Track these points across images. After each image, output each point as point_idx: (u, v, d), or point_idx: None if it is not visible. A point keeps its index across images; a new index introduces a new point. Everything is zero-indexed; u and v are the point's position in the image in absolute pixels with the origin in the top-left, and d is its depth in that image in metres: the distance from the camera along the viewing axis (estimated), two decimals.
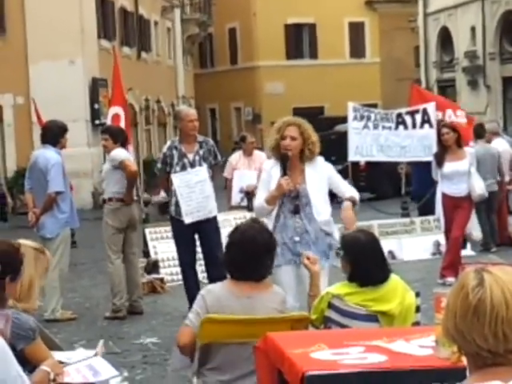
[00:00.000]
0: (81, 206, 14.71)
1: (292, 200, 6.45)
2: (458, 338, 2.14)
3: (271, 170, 6.54)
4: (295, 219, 6.46)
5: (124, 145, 9.64)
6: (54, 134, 9.21)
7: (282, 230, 6.44)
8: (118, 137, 9.66)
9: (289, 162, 6.44)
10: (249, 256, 4.67)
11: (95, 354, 4.76)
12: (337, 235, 6.44)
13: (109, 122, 12.14)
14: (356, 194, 6.61)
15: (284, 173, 6.41)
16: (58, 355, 4.67)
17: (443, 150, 10.55)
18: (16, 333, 4.22)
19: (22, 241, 4.66)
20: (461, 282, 2.18)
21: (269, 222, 6.33)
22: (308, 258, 5.42)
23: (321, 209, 6.48)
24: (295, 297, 6.25)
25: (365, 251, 5.00)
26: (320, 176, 6.53)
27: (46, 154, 9.07)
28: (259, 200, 6.55)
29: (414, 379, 3.88)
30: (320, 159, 6.64)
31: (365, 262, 4.94)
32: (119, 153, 9.44)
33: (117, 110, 12.78)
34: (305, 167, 6.52)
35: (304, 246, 6.39)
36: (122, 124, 12.73)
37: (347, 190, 6.62)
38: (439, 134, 10.78)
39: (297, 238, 6.44)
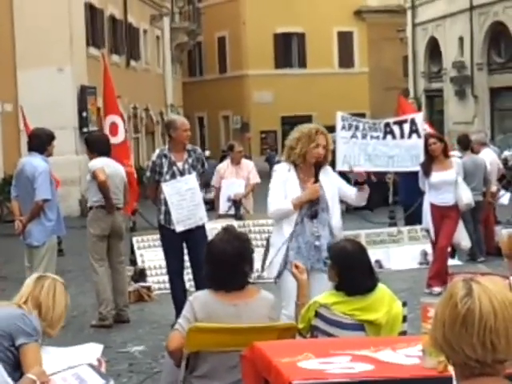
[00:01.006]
0: (68, 214, 14.68)
1: (311, 205, 6.55)
2: (446, 347, 2.14)
3: (287, 174, 6.60)
4: (313, 224, 6.55)
5: (106, 154, 9.61)
6: (41, 142, 9.18)
7: (299, 235, 6.53)
8: (94, 146, 9.76)
9: (320, 170, 6.60)
10: (221, 269, 4.67)
11: (98, 360, 4.77)
12: None
13: (107, 131, 12.18)
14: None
15: (316, 180, 6.55)
16: (61, 352, 4.72)
17: (430, 159, 10.60)
18: (22, 328, 4.38)
19: (53, 276, 4.91)
20: (449, 291, 2.18)
21: (287, 227, 6.50)
22: (297, 267, 5.43)
23: (335, 214, 6.63)
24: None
25: (351, 261, 5.02)
26: (332, 183, 6.71)
27: (33, 162, 9.04)
28: (280, 203, 6.54)
29: None
30: (329, 168, 6.84)
31: (351, 272, 4.96)
32: (94, 162, 9.56)
33: (114, 118, 12.78)
34: (320, 174, 6.65)
35: (318, 251, 6.50)
36: (121, 132, 12.74)
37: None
38: (426, 145, 10.83)
39: (317, 243, 6.52)
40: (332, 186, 6.69)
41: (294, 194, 6.53)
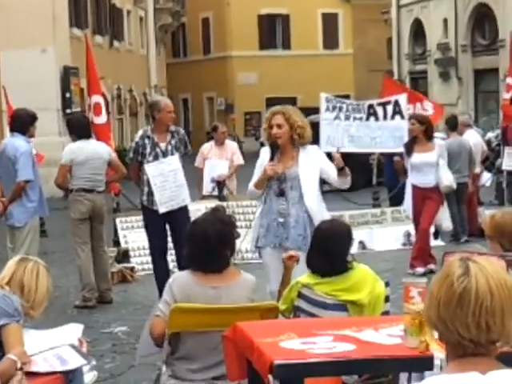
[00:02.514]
0: (51, 195, 14.60)
1: (279, 183, 6.71)
2: (440, 326, 2.12)
3: (264, 156, 6.82)
4: (280, 202, 6.70)
5: (86, 136, 9.58)
6: (23, 123, 9.13)
7: (267, 213, 6.73)
8: (73, 128, 9.82)
9: (279, 149, 6.70)
10: (201, 250, 4.65)
11: (79, 340, 4.76)
12: None
13: (91, 111, 12.20)
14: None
15: (271, 159, 6.67)
16: (42, 334, 4.71)
17: (413, 140, 10.65)
18: (3, 308, 4.36)
19: (35, 258, 4.92)
20: (446, 270, 2.15)
21: (259, 206, 6.84)
22: (292, 256, 5.48)
23: (310, 193, 6.70)
24: (278, 280, 6.34)
25: (314, 240, 5.08)
26: (313, 163, 6.74)
27: (15, 143, 8.98)
28: (251, 183, 6.84)
29: (383, 368, 3.91)
30: (313, 147, 6.93)
31: (312, 251, 5.02)
32: (65, 151, 9.60)
33: (97, 98, 12.76)
34: (298, 153, 6.75)
35: (286, 228, 6.64)
36: (104, 113, 12.71)
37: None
38: None
39: (281, 220, 6.67)
40: (311, 166, 6.72)
41: None
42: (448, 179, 10.45)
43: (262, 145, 7.69)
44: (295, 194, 6.69)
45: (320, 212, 6.72)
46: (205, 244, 4.64)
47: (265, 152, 6.84)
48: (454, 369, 2.10)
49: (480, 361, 2.10)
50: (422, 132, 10.48)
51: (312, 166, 6.72)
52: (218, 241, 4.67)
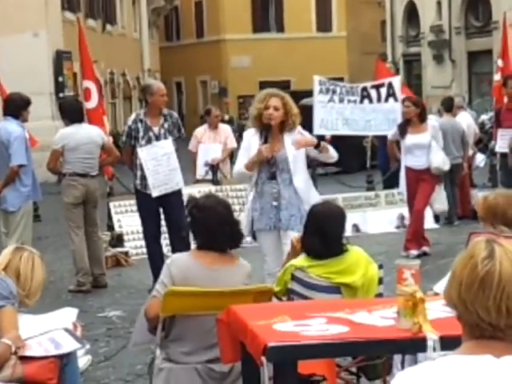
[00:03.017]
0: (45, 180, 14.58)
1: (269, 167, 6.77)
2: (459, 306, 2.10)
3: (251, 139, 6.84)
4: (272, 185, 6.79)
5: (79, 120, 9.54)
6: (17, 107, 9.10)
7: (260, 196, 6.81)
8: (65, 112, 9.80)
9: (270, 131, 6.72)
10: (206, 227, 4.67)
11: (73, 324, 4.76)
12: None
13: (81, 96, 12.20)
14: (333, 151, 6.95)
15: (265, 141, 6.70)
16: (37, 319, 4.72)
17: (407, 122, 10.62)
18: None
19: (30, 248, 4.93)
20: (470, 251, 2.12)
21: (251, 189, 6.86)
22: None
23: (298, 174, 6.80)
24: (275, 261, 6.58)
25: (310, 223, 5.07)
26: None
27: (8, 127, 8.96)
28: (239, 166, 6.85)
29: (376, 350, 3.92)
30: (296, 130, 6.92)
31: (308, 234, 5.02)
32: (57, 136, 9.57)
33: (88, 84, 12.75)
34: (284, 136, 6.80)
35: (279, 210, 6.75)
36: (94, 98, 12.70)
37: None
38: None
39: (275, 203, 6.76)
40: (295, 149, 6.78)
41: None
42: (437, 161, 10.36)
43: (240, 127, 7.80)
44: (286, 176, 6.79)
45: (308, 192, 6.84)
46: (209, 222, 4.65)
47: (250, 134, 6.90)
48: (468, 350, 2.10)
49: (496, 344, 2.08)
50: (417, 114, 10.46)
51: (297, 150, 6.79)
52: (220, 221, 4.69)
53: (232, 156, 13.03)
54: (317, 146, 6.82)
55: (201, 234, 4.76)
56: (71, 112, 9.61)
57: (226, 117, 31.54)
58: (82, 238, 9.44)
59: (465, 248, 2.19)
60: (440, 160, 10.41)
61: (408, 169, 10.54)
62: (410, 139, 10.45)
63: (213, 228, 4.67)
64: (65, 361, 4.50)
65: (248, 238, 9.84)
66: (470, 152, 13.92)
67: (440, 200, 10.79)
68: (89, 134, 9.52)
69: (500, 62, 15.15)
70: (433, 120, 11.41)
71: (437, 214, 12.20)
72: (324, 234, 4.95)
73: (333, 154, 6.97)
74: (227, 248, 4.76)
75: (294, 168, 6.78)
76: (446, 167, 10.58)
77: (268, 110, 6.70)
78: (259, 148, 6.69)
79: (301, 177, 6.84)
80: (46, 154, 9.89)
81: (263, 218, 6.79)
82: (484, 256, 2.09)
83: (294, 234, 5.91)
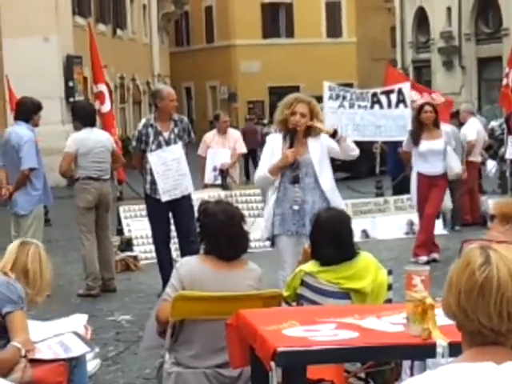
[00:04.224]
0: (55, 184, 14.63)
1: (292, 171, 6.71)
2: (460, 315, 2.10)
3: (275, 143, 6.79)
4: (294, 189, 6.71)
5: (91, 124, 9.55)
6: (27, 111, 9.13)
7: (282, 201, 6.73)
8: (78, 115, 9.79)
9: (295, 136, 6.69)
10: (211, 232, 4.67)
11: (84, 327, 4.78)
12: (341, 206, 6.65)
13: (91, 100, 12.21)
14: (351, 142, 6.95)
15: (291, 146, 6.65)
16: (47, 325, 4.72)
17: (420, 128, 10.52)
18: (7, 296, 4.39)
19: (35, 241, 4.94)
20: (466, 258, 2.12)
21: (272, 194, 6.75)
22: None
23: (325, 177, 6.75)
24: (292, 267, 6.41)
25: (322, 230, 5.04)
26: (321, 146, 6.78)
27: (19, 131, 8.99)
28: (262, 171, 6.79)
29: (385, 355, 3.92)
30: (322, 136, 6.85)
31: (321, 241, 4.99)
32: (70, 140, 9.55)
33: (101, 87, 12.77)
34: (308, 140, 6.77)
35: (302, 215, 6.67)
36: (108, 102, 12.72)
37: None
38: (419, 113, 10.65)
39: (296, 207, 6.70)
40: (321, 150, 6.76)
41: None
42: (458, 167, 10.48)
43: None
44: (310, 180, 6.73)
45: (334, 194, 6.81)
46: (227, 229, 4.66)
47: (274, 139, 6.84)
48: (469, 358, 2.10)
49: (496, 351, 2.08)
50: (434, 120, 10.42)
51: (321, 150, 6.76)
52: (239, 228, 4.70)
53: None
54: (333, 136, 6.77)
55: (206, 239, 4.76)
56: (84, 116, 9.62)
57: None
58: (93, 242, 9.45)
59: (458, 256, 2.19)
60: (459, 165, 10.51)
61: (420, 175, 10.49)
62: (425, 145, 10.38)
63: (216, 234, 4.67)
64: (74, 363, 4.51)
65: (261, 243, 9.83)
66: (479, 159, 13.90)
67: (448, 200, 10.85)
68: (100, 139, 9.55)
69: (507, 70, 15.06)
70: (446, 126, 11.35)
71: (442, 212, 12.13)
72: (337, 240, 4.95)
73: (352, 145, 6.88)
74: (232, 254, 4.75)
75: (319, 170, 6.72)
76: (462, 173, 10.75)
77: (295, 115, 6.65)
78: (285, 152, 6.65)
79: (327, 179, 6.78)
80: (56, 158, 9.92)
81: (285, 223, 6.71)
82: (481, 263, 2.09)
83: None
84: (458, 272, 2.12)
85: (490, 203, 5.02)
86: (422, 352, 3.66)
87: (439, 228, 12.12)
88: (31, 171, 8.94)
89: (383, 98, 13.02)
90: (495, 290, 2.06)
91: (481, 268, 2.08)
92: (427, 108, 10.47)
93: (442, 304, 2.16)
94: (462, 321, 2.10)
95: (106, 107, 12.66)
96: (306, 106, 6.69)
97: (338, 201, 6.76)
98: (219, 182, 12.61)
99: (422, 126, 10.48)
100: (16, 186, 8.93)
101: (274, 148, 6.77)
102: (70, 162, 9.44)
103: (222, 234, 4.66)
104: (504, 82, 14.89)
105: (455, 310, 2.10)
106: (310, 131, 6.74)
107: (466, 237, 11.71)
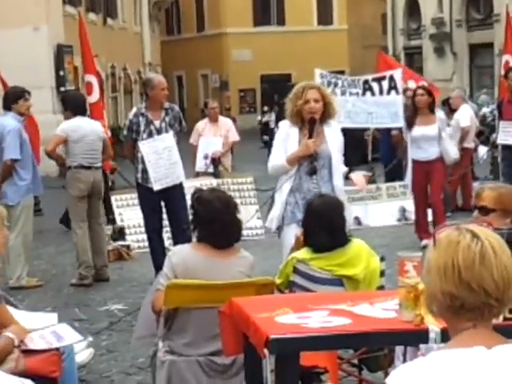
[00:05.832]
0: (46, 174, 14.60)
1: (309, 161, 6.50)
2: (462, 292, 2.09)
3: (289, 130, 6.54)
4: (311, 180, 6.53)
5: (82, 113, 9.54)
6: (8, 100, 9.15)
7: (296, 190, 6.53)
8: (69, 104, 9.81)
9: (314, 125, 6.46)
10: (204, 220, 4.67)
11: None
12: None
13: (82, 89, 12.18)
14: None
15: (310, 135, 6.43)
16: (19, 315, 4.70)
17: (415, 112, 10.53)
18: None
19: None
20: (451, 240, 2.13)
21: (286, 183, 6.52)
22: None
23: (338, 172, 6.62)
24: None
25: (314, 217, 5.04)
26: (338, 138, 6.65)
27: (3, 121, 8.99)
28: (277, 159, 6.55)
29: (378, 341, 3.92)
30: (335, 122, 6.75)
31: (313, 229, 4.98)
32: (61, 126, 9.58)
33: (89, 78, 12.75)
34: (323, 129, 6.56)
35: None
36: (96, 92, 12.69)
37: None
38: (414, 97, 10.66)
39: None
40: (337, 142, 6.62)
41: (293, 149, 6.51)
42: (455, 152, 10.52)
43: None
44: (325, 172, 6.56)
45: (343, 191, 6.75)
46: (221, 218, 4.65)
47: (288, 126, 6.59)
48: (460, 343, 2.10)
49: (486, 335, 2.10)
50: (428, 104, 10.40)
51: (337, 142, 6.63)
52: (233, 217, 4.69)
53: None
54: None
55: (199, 227, 4.75)
56: (75, 105, 9.62)
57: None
58: (85, 231, 9.45)
59: (433, 245, 2.18)
60: (456, 151, 10.55)
61: (415, 161, 10.49)
62: (418, 130, 10.38)
63: (210, 221, 4.67)
64: (62, 350, 4.50)
65: (253, 231, 9.76)
66: (472, 145, 13.92)
67: None
68: (91, 127, 9.56)
69: (506, 58, 14.97)
70: (440, 112, 11.35)
71: None
72: (330, 227, 4.95)
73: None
74: (225, 242, 4.75)
75: (335, 165, 6.58)
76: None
77: (309, 103, 6.43)
78: (307, 142, 6.40)
79: (340, 175, 6.66)
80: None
81: (297, 213, 6.43)
82: (470, 237, 2.13)
83: None
84: (446, 255, 2.13)
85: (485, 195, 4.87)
86: (415, 338, 3.66)
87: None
88: (14, 162, 8.90)
89: (375, 85, 12.99)
90: (493, 257, 2.10)
91: (473, 241, 2.12)
92: (419, 91, 10.53)
93: (432, 295, 2.15)
94: (466, 297, 2.10)
95: (94, 97, 12.64)
96: (317, 91, 6.50)
97: (341, 197, 6.65)
98: (211, 170, 12.60)
99: (416, 110, 10.49)
100: (1, 178, 8.92)
101: (288, 135, 6.54)
102: (58, 144, 9.41)
103: (216, 221, 4.65)
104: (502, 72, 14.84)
105: (455, 289, 2.10)
106: (325, 117, 6.53)
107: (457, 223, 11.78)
